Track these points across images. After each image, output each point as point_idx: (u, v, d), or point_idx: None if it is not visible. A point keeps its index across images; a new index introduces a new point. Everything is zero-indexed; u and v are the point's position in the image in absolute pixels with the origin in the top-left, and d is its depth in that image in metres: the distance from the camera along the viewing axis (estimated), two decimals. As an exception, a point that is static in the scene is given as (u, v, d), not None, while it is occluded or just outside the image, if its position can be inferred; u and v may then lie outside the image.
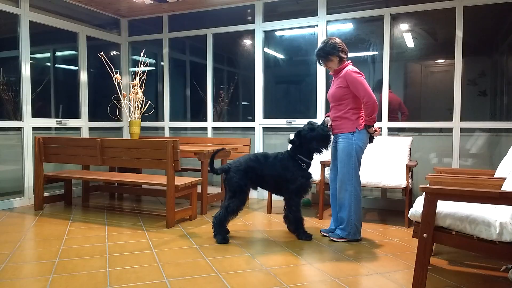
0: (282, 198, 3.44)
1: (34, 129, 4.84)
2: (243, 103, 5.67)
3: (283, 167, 3.29)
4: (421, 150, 4.54)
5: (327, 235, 3.41)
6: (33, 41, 4.80)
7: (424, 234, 2.09)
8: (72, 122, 5.35)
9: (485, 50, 4.44)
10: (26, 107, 4.73)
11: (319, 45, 3.37)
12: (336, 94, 3.27)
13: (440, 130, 4.45)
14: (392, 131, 4.63)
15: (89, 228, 3.68)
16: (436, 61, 4.63)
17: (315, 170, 3.63)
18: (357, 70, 3.22)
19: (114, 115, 5.79)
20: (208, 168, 3.41)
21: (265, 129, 5.33)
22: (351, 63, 3.30)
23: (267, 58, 5.34)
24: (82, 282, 2.40)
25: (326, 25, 4.92)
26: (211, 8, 5.52)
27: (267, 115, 5.31)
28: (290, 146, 3.41)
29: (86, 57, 5.51)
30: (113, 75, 4.61)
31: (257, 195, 5.29)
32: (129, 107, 4.69)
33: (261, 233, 3.56)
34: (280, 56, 5.43)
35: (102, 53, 4.59)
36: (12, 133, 4.69)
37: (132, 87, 4.61)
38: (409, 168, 3.81)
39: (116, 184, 5.10)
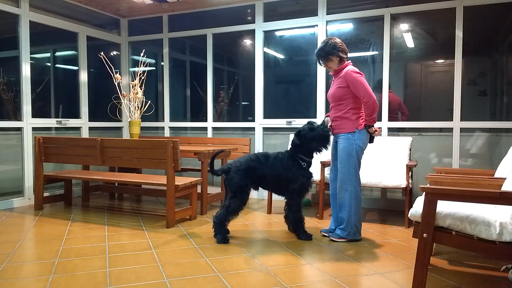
0: (282, 198, 3.44)
1: (34, 129, 4.84)
2: (243, 103, 5.67)
3: (284, 167, 3.29)
4: (421, 150, 4.54)
5: (327, 235, 3.41)
6: (33, 41, 4.80)
7: (424, 234, 2.09)
8: (72, 122, 5.35)
9: (485, 50, 4.44)
10: (26, 107, 4.73)
11: (319, 45, 3.37)
12: (336, 94, 3.27)
13: (440, 130, 4.45)
14: (392, 131, 4.63)
15: (89, 228, 3.68)
16: (436, 61, 4.63)
17: (315, 170, 3.62)
18: (357, 70, 3.22)
19: (114, 115, 5.79)
20: (208, 170, 3.41)
21: (265, 129, 5.33)
22: (351, 63, 3.30)
23: (267, 58, 5.34)
24: (82, 282, 2.40)
25: (326, 25, 4.92)
26: (211, 8, 5.52)
27: (267, 115, 5.31)
28: (290, 145, 3.40)
29: (86, 57, 5.51)
30: (113, 75, 4.61)
31: (257, 195, 5.29)
32: (129, 107, 4.69)
33: (261, 233, 3.56)
34: (280, 56, 5.43)
35: (102, 53, 4.59)
36: (12, 133, 4.69)
37: (132, 87, 4.61)
38: (409, 168, 3.81)
39: (116, 184, 5.10)
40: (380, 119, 4.61)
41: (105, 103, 5.36)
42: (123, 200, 5.09)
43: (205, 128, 5.69)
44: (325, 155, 4.25)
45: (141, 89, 4.62)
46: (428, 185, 2.26)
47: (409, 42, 4.62)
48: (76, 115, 5.46)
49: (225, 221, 3.25)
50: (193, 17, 5.70)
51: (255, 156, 3.35)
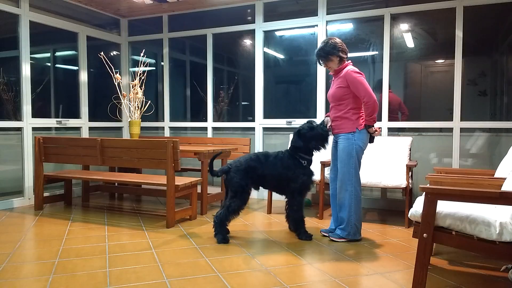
0: (283, 197, 3.44)
1: (34, 129, 4.84)
2: (243, 103, 5.67)
3: (284, 166, 3.29)
4: (421, 150, 4.54)
5: (327, 235, 3.41)
6: (33, 41, 4.80)
7: (424, 234, 2.09)
8: (72, 122, 5.35)
9: (485, 50, 4.44)
10: (26, 107, 4.73)
11: (319, 45, 3.37)
12: (336, 94, 3.27)
13: (440, 130, 4.45)
14: (392, 131, 4.63)
15: (89, 228, 3.68)
16: (436, 61, 4.63)
17: (315, 170, 3.61)
18: (357, 70, 3.22)
19: (114, 115, 5.79)
20: (208, 170, 3.41)
21: (265, 129, 5.33)
22: (351, 63, 3.30)
23: (267, 58, 5.34)
24: (82, 282, 2.40)
25: (326, 25, 4.92)
26: (211, 8, 5.52)
27: (267, 115, 5.31)
28: (290, 144, 3.40)
29: (86, 57, 5.51)
30: (113, 75, 4.61)
31: (257, 195, 5.29)
32: (129, 107, 4.69)
33: (261, 233, 3.56)
34: (280, 56, 5.43)
35: (102, 53, 4.59)
36: (12, 133, 4.69)
37: (132, 87, 4.61)
38: (409, 168, 3.81)
39: (116, 184, 5.10)
40: (380, 119, 4.61)
41: (105, 103, 5.36)
42: (123, 200, 5.09)
43: (205, 128, 5.69)
44: (325, 155, 4.25)
45: (141, 89, 4.62)
46: (428, 185, 2.26)
47: (409, 42, 4.62)
48: (76, 115, 5.46)
49: (226, 220, 3.25)
50: (193, 17, 5.70)
51: (255, 155, 3.35)
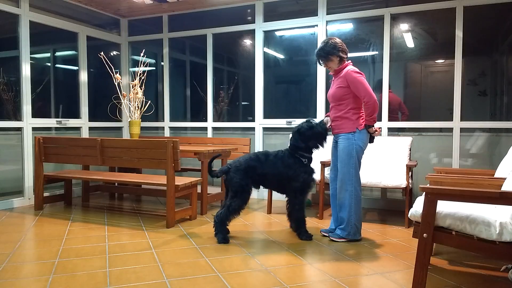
0: (283, 197, 3.44)
1: (34, 129, 4.84)
2: (243, 103, 5.67)
3: (285, 165, 3.29)
4: (421, 150, 4.54)
5: (327, 235, 3.41)
6: (33, 41, 4.80)
7: (424, 234, 2.09)
8: (72, 122, 5.35)
9: (485, 50, 4.44)
10: (26, 107, 4.73)
11: (319, 45, 3.37)
12: (336, 94, 3.27)
13: (440, 130, 4.45)
14: (392, 131, 4.63)
15: (89, 228, 3.68)
16: (436, 61, 4.63)
17: (315, 168, 3.61)
18: (357, 70, 3.22)
19: (114, 115, 5.79)
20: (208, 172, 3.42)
21: (265, 129, 5.33)
22: (351, 63, 3.30)
23: (267, 58, 5.34)
24: (82, 282, 2.40)
25: (326, 25, 4.92)
26: (211, 8, 5.52)
27: (267, 115, 5.31)
28: (289, 143, 3.40)
29: (86, 57, 5.51)
30: (113, 75, 4.61)
31: (257, 195, 5.29)
32: (129, 107, 4.69)
33: (261, 233, 3.56)
34: (280, 56, 5.43)
35: (102, 53, 4.59)
36: (12, 133, 4.69)
37: (132, 87, 4.61)
38: (409, 168, 3.81)
39: (116, 184, 5.10)
40: (380, 119, 4.61)
41: (105, 103, 5.36)
42: (123, 200, 5.09)
43: (205, 128, 5.69)
44: (325, 155, 4.25)
45: (141, 89, 4.62)
46: (428, 185, 2.26)
47: (409, 42, 4.62)
48: (76, 115, 5.46)
49: (226, 220, 3.25)
50: (193, 17, 5.70)
51: (255, 155, 3.35)
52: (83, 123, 5.47)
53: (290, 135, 3.42)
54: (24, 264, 2.72)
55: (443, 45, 4.52)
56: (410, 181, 3.84)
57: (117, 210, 4.47)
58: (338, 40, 3.28)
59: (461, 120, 4.30)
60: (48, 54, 5.40)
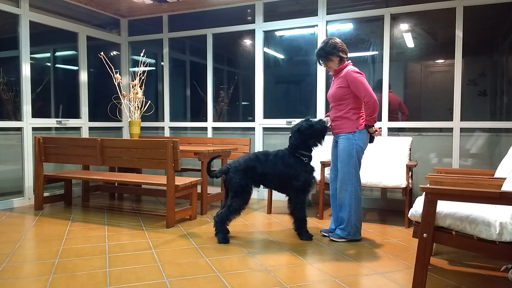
0: (283, 197, 3.44)
1: (34, 129, 4.84)
2: (243, 103, 5.67)
3: (285, 165, 3.29)
4: (421, 150, 4.54)
5: (327, 235, 3.41)
6: (33, 41, 4.80)
7: (424, 234, 2.09)
8: (72, 122, 5.35)
9: (485, 50, 4.44)
10: (26, 107, 4.73)
11: (319, 45, 3.37)
12: (336, 94, 3.27)
13: (440, 130, 4.45)
14: (392, 131, 4.63)
15: (89, 228, 3.68)
16: (436, 61, 4.63)
17: (315, 167, 3.60)
18: (357, 70, 3.22)
19: (114, 115, 5.79)
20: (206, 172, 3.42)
21: (265, 129, 5.33)
22: (351, 63, 3.30)
23: (267, 58, 5.34)
24: (82, 282, 2.40)
25: (326, 25, 4.92)
26: (211, 8, 5.52)
27: (267, 115, 5.31)
28: (289, 142, 3.39)
29: (86, 57, 5.51)
30: (113, 75, 4.61)
31: (257, 195, 5.29)
32: (129, 107, 4.69)
33: (261, 233, 3.56)
34: (280, 56, 5.43)
35: (102, 53, 4.59)
36: (12, 133, 4.69)
37: (132, 87, 4.61)
38: (409, 168, 3.81)
39: (116, 184, 5.10)
40: (380, 119, 4.61)
41: (105, 103, 5.36)
42: (123, 200, 5.09)
43: (205, 128, 5.69)
44: (325, 155, 4.26)
45: (141, 89, 4.62)
46: (428, 185, 2.26)
47: (409, 42, 4.62)
48: (76, 115, 5.46)
49: (227, 220, 3.25)
50: (193, 17, 5.70)
51: (255, 155, 3.35)
52: (83, 123, 5.48)
53: (290, 135, 3.41)
54: (24, 264, 2.72)
55: (443, 45, 4.52)
56: (410, 181, 3.84)
57: (117, 210, 4.47)
58: (338, 40, 3.28)
59: (461, 120, 4.30)
60: (48, 54, 5.40)
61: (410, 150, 4.19)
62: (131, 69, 6.19)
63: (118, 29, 6.11)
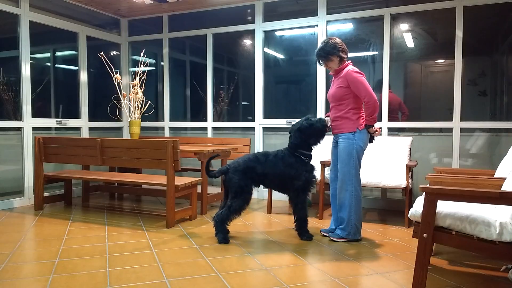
0: (283, 197, 3.44)
1: (34, 129, 4.84)
2: (243, 103, 5.67)
3: (286, 165, 3.28)
4: (421, 150, 4.54)
5: (327, 235, 3.41)
6: (33, 41, 4.80)
7: (424, 234, 2.09)
8: (72, 122, 5.35)
9: (485, 50, 4.44)
10: (26, 107, 4.73)
11: (319, 45, 3.37)
12: (336, 94, 3.27)
13: (440, 130, 4.45)
14: (392, 131, 4.63)
15: (89, 228, 3.68)
16: (436, 61, 4.63)
17: (315, 166, 3.60)
18: (357, 70, 3.22)
19: (114, 115, 5.79)
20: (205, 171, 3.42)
21: (265, 129, 5.33)
22: (351, 63, 3.30)
23: (267, 58, 5.34)
24: (82, 282, 2.40)
25: (326, 25, 4.92)
26: (211, 8, 5.52)
27: (267, 115, 5.31)
28: (289, 142, 3.39)
29: (86, 57, 5.51)
30: (113, 75, 4.61)
31: (257, 195, 5.28)
32: (129, 107, 4.69)
33: (261, 233, 3.56)
34: (280, 56, 5.43)
35: (102, 53, 4.59)
36: (12, 133, 4.69)
37: (132, 87, 4.61)
38: (409, 168, 3.81)
39: (116, 184, 5.10)
40: (380, 119, 4.61)
41: (105, 103, 5.36)
42: (123, 200, 5.09)
43: (205, 128, 5.69)
44: (325, 155, 4.26)
45: (141, 89, 4.62)
46: (428, 185, 2.26)
47: (409, 42, 4.62)
48: (76, 115, 5.46)
49: (226, 220, 3.24)
50: (193, 17, 5.70)
51: (254, 156, 3.34)
52: (83, 123, 5.48)
53: (290, 134, 3.41)
54: (24, 264, 2.72)
55: (443, 45, 4.52)
56: (410, 181, 3.84)
57: (117, 210, 4.47)
58: (338, 40, 3.28)
59: (461, 120, 4.30)
60: (48, 54, 5.40)
61: (410, 150, 4.19)
62: (131, 69, 6.19)
63: (118, 29, 6.11)
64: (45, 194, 4.55)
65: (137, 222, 3.91)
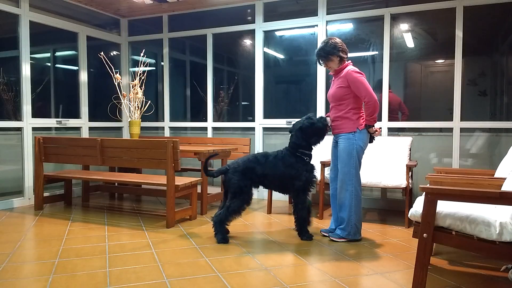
0: (283, 197, 3.43)
1: (34, 129, 4.84)
2: (243, 103, 5.67)
3: (286, 165, 3.28)
4: (421, 150, 4.54)
5: (327, 235, 3.41)
6: (33, 41, 4.80)
7: (424, 234, 2.09)
8: (72, 122, 5.35)
9: (485, 50, 4.44)
10: (26, 107, 4.73)
11: (319, 45, 3.37)
12: (336, 94, 3.27)
13: (440, 130, 4.45)
14: (392, 131, 4.63)
15: (89, 228, 3.68)
16: (436, 61, 4.63)
17: (315, 165, 3.59)
18: (357, 70, 3.22)
19: (114, 115, 5.79)
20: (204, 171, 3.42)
21: (265, 129, 5.33)
22: (351, 63, 3.30)
23: (267, 58, 5.34)
24: (82, 282, 2.40)
25: (326, 25, 4.92)
26: (211, 8, 5.52)
27: (267, 115, 5.31)
28: (290, 142, 3.39)
29: (86, 57, 5.51)
30: (113, 75, 4.61)
31: (257, 195, 5.28)
32: (129, 107, 4.69)
33: (261, 233, 3.56)
34: (280, 56, 5.43)
35: (102, 53, 4.59)
36: (12, 133, 4.69)
37: (132, 87, 4.61)
38: (409, 168, 3.81)
39: (116, 184, 5.10)
40: (380, 119, 4.61)
41: (105, 103, 5.36)
42: (123, 200, 5.09)
43: (205, 128, 5.69)
44: (325, 155, 4.26)
45: (141, 89, 4.62)
46: (428, 185, 2.26)
47: (409, 42, 4.62)
48: (76, 115, 5.46)
49: (226, 220, 3.24)
50: (193, 17, 5.70)
51: (254, 156, 3.34)
52: (83, 123, 5.48)
53: (290, 134, 3.40)
54: (24, 264, 2.72)
55: (443, 45, 4.52)
56: (410, 181, 3.84)
57: (117, 210, 4.47)
58: (338, 40, 3.28)
59: (461, 120, 4.30)
60: (48, 54, 5.40)
61: (410, 150, 4.19)
62: (131, 69, 6.19)
63: (118, 29, 6.12)
64: (45, 194, 4.55)
65: (137, 222, 3.91)
